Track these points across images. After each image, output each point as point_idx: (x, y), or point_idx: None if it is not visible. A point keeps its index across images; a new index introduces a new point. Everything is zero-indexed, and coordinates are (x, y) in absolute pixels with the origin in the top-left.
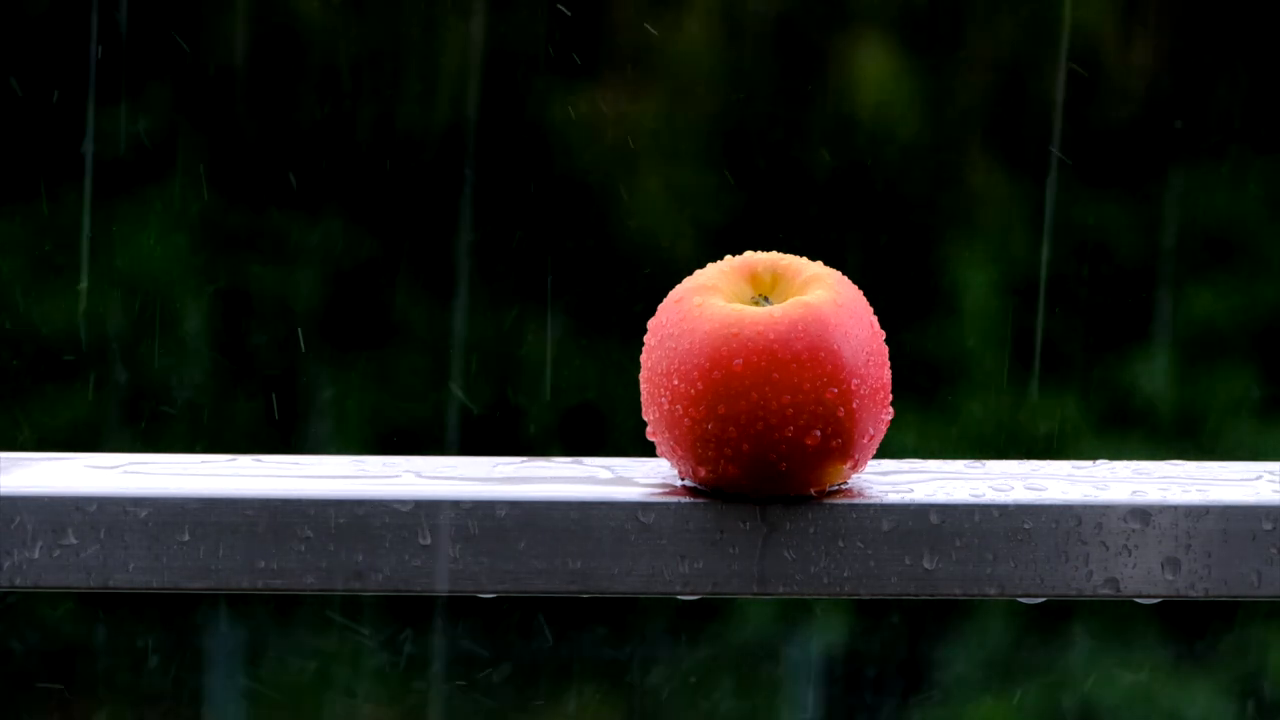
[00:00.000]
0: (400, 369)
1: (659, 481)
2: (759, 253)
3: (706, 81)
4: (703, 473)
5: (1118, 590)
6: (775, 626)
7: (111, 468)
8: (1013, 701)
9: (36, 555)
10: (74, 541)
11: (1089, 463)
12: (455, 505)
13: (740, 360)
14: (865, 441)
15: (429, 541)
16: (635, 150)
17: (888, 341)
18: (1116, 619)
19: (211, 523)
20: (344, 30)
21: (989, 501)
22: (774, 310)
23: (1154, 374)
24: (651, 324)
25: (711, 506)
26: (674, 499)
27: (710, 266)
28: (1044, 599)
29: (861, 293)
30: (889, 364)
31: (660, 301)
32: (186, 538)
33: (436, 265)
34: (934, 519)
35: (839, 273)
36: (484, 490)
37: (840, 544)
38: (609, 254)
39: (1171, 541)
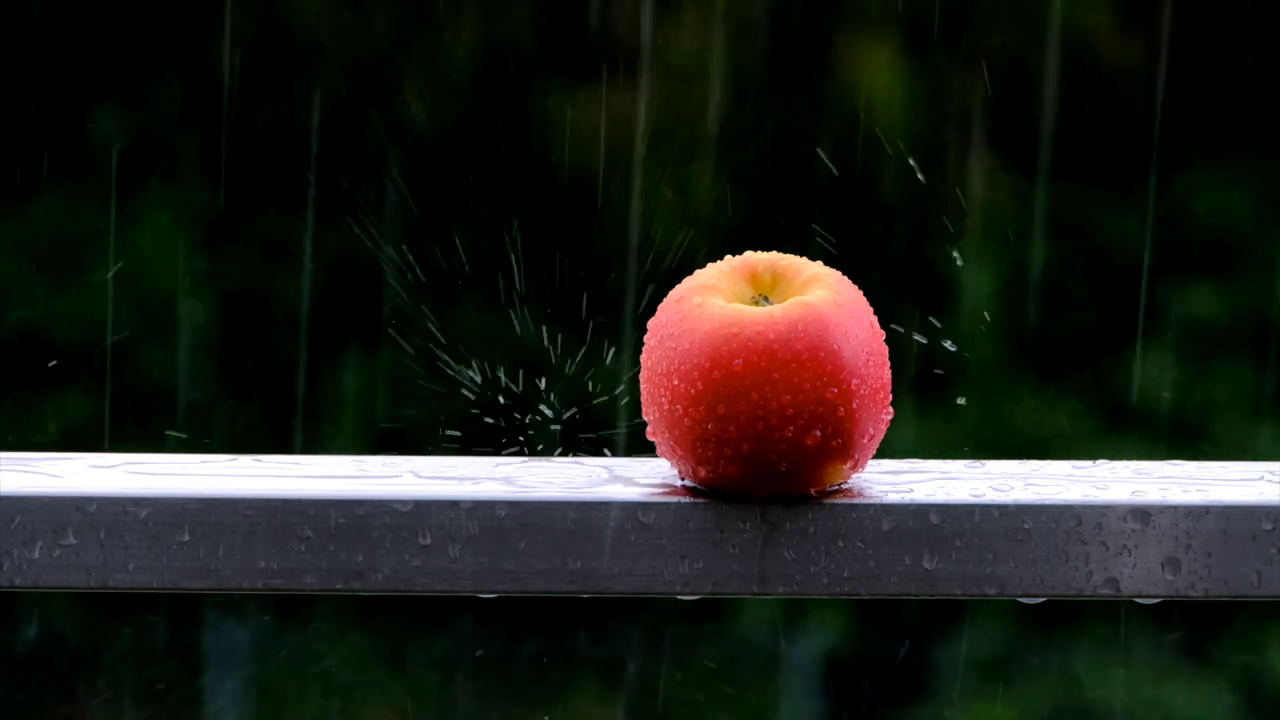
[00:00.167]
0: (401, 368)
1: (659, 481)
2: (759, 253)
3: (706, 81)
4: (703, 473)
5: (1118, 590)
6: (775, 627)
7: (111, 467)
8: (1013, 702)
9: (36, 555)
10: (74, 541)
11: (1089, 463)
12: (455, 505)
13: (740, 360)
14: (865, 441)
15: (429, 541)
16: (635, 150)
17: (887, 341)
18: (1116, 619)
19: (211, 523)
20: (344, 30)
21: (989, 501)
22: (774, 310)
23: (1154, 374)
24: (651, 324)
25: (711, 506)
26: (674, 499)
27: (710, 266)
28: (1044, 599)
29: (861, 293)
30: (889, 364)
31: (660, 301)
32: (186, 538)
33: (437, 265)
34: (934, 519)
35: (839, 273)
36: (484, 490)
37: (840, 544)
38: (608, 254)
39: (1171, 541)
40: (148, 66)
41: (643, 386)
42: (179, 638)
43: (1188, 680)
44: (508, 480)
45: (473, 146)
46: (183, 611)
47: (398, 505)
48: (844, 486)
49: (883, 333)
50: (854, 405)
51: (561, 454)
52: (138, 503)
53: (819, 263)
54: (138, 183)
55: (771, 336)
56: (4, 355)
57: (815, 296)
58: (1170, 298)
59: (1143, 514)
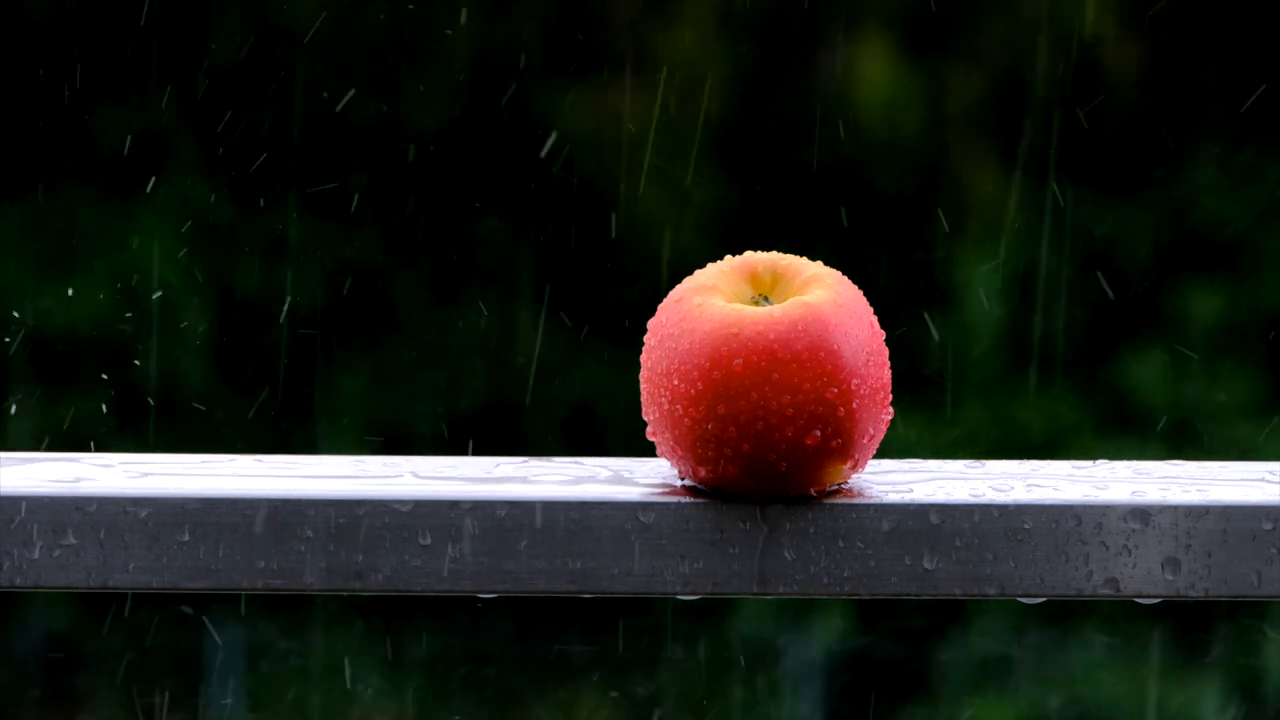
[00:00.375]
0: (401, 369)
1: (659, 481)
2: (759, 253)
3: (706, 81)
4: (703, 473)
5: (1118, 590)
6: (775, 626)
7: (111, 467)
8: (1013, 701)
9: (36, 555)
10: (74, 541)
11: (1089, 463)
12: (455, 505)
13: (740, 360)
14: (865, 441)
15: (429, 541)
16: (635, 150)
17: (887, 342)
18: (1116, 619)
19: (211, 523)
20: (343, 29)
21: (989, 501)
22: (774, 310)
23: (1154, 374)
24: (651, 324)
25: (711, 506)
26: (674, 499)
27: (710, 266)
28: (1044, 599)
29: (861, 293)
30: (889, 364)
31: (660, 301)
32: (186, 538)
33: (437, 265)
34: (934, 519)
35: (839, 273)
36: (484, 490)
37: (840, 544)
38: (608, 254)
39: (1171, 541)
40: (148, 67)
41: (643, 386)
42: (179, 638)
43: (1188, 680)
44: (508, 480)
45: (473, 146)
46: (183, 611)
47: (398, 505)
48: (844, 486)
49: (882, 333)
50: (854, 405)
51: (561, 454)
52: (138, 503)
53: (819, 263)
54: (138, 183)
55: (771, 336)
56: (4, 355)
57: (815, 296)
58: (1171, 298)
59: (1143, 514)
